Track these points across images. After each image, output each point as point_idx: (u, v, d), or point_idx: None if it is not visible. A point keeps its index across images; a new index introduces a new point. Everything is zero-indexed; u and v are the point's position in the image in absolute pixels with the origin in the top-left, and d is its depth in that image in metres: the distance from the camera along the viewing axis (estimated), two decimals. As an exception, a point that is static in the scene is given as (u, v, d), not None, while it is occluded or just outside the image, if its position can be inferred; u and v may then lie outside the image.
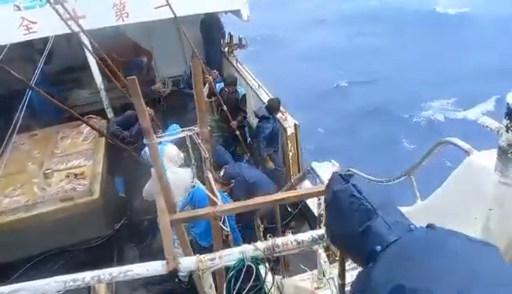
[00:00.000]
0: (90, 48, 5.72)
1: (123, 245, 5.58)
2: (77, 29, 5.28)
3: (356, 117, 12.81)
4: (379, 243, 1.09)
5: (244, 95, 7.00)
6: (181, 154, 5.11)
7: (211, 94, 6.83)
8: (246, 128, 7.51)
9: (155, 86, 8.02)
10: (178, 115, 6.47)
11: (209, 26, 8.47)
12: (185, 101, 7.14)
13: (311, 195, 2.57)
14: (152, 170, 2.20)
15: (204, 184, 2.27)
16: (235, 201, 4.55)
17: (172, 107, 7.81)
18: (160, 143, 4.76)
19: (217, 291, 2.19)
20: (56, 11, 4.66)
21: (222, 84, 7.04)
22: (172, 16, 5.81)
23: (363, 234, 1.14)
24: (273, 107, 6.03)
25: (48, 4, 4.75)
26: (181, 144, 4.84)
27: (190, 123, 2.46)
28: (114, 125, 6.23)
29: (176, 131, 4.64)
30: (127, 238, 5.65)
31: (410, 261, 0.99)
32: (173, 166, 4.88)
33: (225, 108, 6.56)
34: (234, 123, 6.72)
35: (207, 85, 6.60)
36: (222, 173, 4.70)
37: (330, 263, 3.14)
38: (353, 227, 1.17)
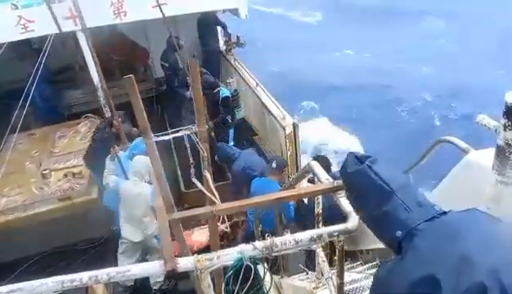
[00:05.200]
0: (88, 47, 5.68)
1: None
2: (75, 28, 5.25)
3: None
4: (399, 228, 1.02)
5: (227, 97, 6.58)
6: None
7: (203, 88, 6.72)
8: (232, 130, 7.05)
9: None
10: (172, 118, 6.28)
11: (205, 25, 8.41)
12: (179, 103, 6.89)
13: (310, 194, 2.56)
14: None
15: (202, 184, 2.25)
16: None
17: (166, 108, 7.71)
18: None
19: (215, 291, 2.18)
20: (51, 11, 4.63)
21: (227, 91, 6.65)
22: (171, 15, 5.78)
23: (381, 217, 1.07)
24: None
25: (45, 3, 4.72)
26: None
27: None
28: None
29: (140, 147, 4.39)
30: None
31: (446, 246, 0.93)
32: (140, 180, 4.42)
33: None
34: (210, 123, 6.26)
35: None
36: (274, 165, 4.89)
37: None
38: (371, 210, 1.10)
